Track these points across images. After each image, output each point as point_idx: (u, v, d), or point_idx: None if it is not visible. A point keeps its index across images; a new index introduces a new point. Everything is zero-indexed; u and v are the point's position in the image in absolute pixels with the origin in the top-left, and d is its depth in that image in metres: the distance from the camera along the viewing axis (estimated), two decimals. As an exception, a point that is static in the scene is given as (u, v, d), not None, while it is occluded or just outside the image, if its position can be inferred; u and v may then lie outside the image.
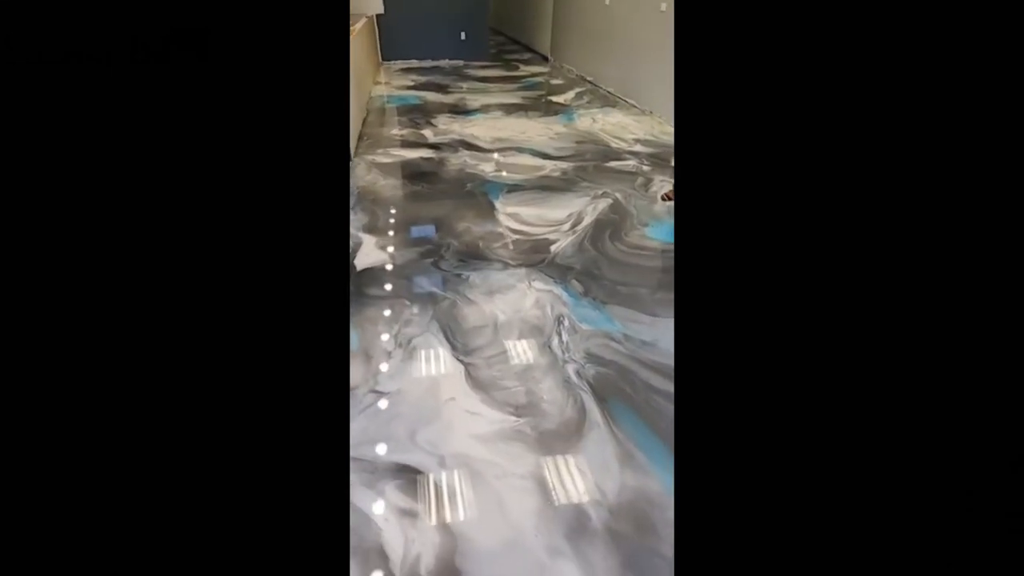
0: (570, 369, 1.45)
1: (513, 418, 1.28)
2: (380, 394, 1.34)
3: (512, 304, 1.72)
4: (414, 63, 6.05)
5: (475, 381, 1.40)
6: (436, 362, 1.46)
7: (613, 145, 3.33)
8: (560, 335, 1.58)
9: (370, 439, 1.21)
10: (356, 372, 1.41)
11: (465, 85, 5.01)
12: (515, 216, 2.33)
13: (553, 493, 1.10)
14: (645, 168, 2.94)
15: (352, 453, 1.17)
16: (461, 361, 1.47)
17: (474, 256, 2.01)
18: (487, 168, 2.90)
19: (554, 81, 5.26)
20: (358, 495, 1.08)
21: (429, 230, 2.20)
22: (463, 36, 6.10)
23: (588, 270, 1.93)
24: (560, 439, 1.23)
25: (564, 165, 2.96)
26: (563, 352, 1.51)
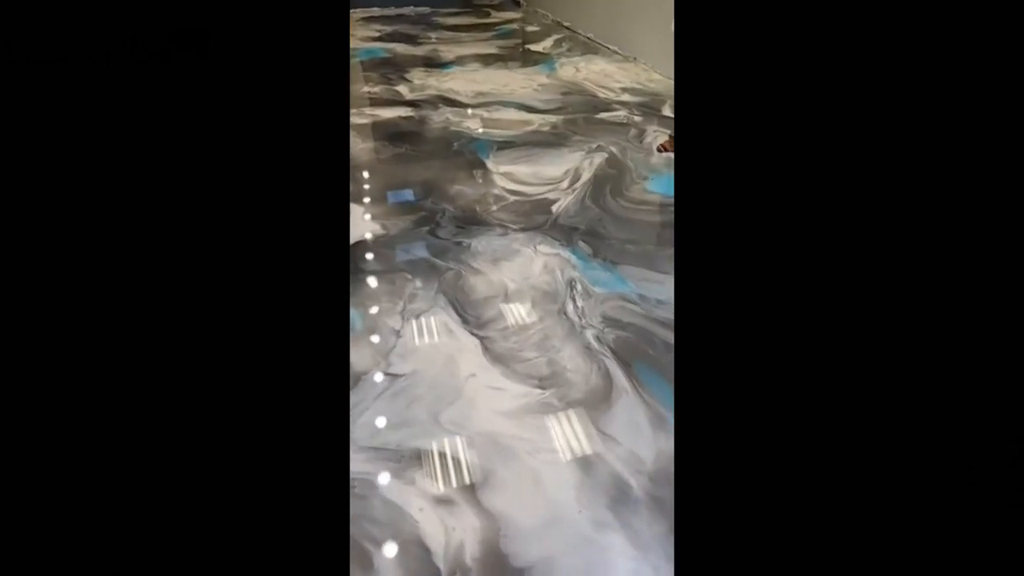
0: (589, 335, 1.39)
1: (538, 390, 1.23)
2: (394, 376, 1.27)
3: (520, 271, 1.64)
4: (376, 11, 5.60)
5: (493, 355, 1.33)
6: (449, 338, 1.39)
7: (600, 95, 3.18)
8: (574, 300, 1.52)
9: (391, 425, 1.14)
10: (364, 355, 1.33)
11: (434, 35, 4.68)
12: (509, 175, 2.21)
13: (590, 464, 1.06)
14: (636, 118, 2.82)
15: (373, 442, 1.11)
16: (475, 335, 1.39)
17: (472, 221, 1.90)
18: (472, 125, 2.73)
19: (529, 28, 4.97)
20: (387, 487, 1.02)
21: (420, 195, 2.07)
22: (427, -20, 5.66)
23: (593, 229, 1.85)
24: (589, 408, 1.19)
25: (552, 119, 2.81)
26: (580, 318, 1.45)
